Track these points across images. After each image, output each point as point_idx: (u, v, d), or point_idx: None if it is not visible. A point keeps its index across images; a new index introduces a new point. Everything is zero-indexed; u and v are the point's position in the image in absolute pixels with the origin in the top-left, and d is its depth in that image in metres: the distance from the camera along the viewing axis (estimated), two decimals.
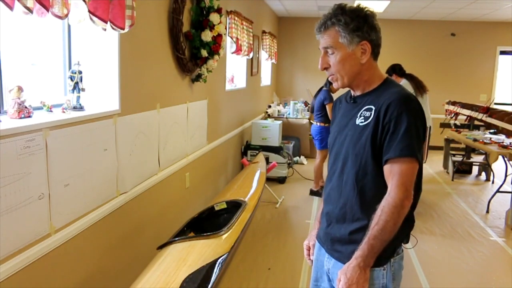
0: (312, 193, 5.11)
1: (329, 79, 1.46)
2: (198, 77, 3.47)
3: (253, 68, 6.09)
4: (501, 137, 5.07)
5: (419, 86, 4.90)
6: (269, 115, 7.17)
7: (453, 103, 6.63)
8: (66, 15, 1.66)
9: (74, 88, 2.05)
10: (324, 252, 1.52)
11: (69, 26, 2.17)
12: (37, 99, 1.94)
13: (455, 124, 6.44)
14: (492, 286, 3.07)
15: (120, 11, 2.01)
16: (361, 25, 1.34)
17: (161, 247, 2.18)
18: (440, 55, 8.17)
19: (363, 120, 1.36)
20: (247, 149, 5.64)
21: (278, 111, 7.48)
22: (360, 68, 1.39)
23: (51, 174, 1.76)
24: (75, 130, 1.92)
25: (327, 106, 4.83)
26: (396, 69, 4.95)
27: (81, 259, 2.05)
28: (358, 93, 1.45)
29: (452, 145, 6.52)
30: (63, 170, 1.85)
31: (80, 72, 2.06)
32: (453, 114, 6.55)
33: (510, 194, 4.31)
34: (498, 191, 4.76)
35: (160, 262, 1.99)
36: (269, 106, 7.51)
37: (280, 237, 3.80)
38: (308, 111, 7.35)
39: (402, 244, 1.44)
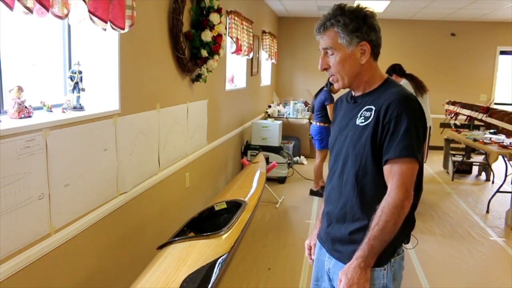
0: (312, 193, 5.11)
1: (330, 80, 1.46)
2: (198, 77, 3.47)
3: (253, 68, 6.09)
4: (501, 137, 5.07)
5: (419, 86, 4.90)
6: (269, 115, 7.17)
7: (453, 103, 6.63)
8: (66, 15, 1.66)
9: (74, 88, 2.05)
10: (325, 252, 1.52)
11: (69, 26, 2.17)
12: (37, 99, 1.94)
13: (455, 124, 6.44)
14: (492, 286, 3.07)
15: (120, 11, 2.01)
16: (360, 25, 1.34)
17: (161, 247, 2.18)
18: (440, 55, 8.17)
19: (363, 120, 1.36)
20: (247, 149, 5.64)
21: (278, 111, 7.48)
22: (360, 69, 1.39)
23: (51, 174, 1.76)
24: (75, 130, 1.92)
25: (328, 107, 4.83)
26: (396, 69, 4.95)
27: (81, 259, 2.05)
28: (358, 93, 1.45)
29: (452, 145, 6.52)
30: (63, 170, 1.85)
31: (80, 72, 2.06)
32: (453, 114, 6.55)
33: (510, 194, 4.31)
34: (498, 191, 4.76)
35: (160, 262, 1.99)
36: (269, 106, 7.51)
37: (280, 237, 3.80)
38: (308, 111, 7.36)
39: (403, 244, 1.44)
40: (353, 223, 1.39)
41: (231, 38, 4.48)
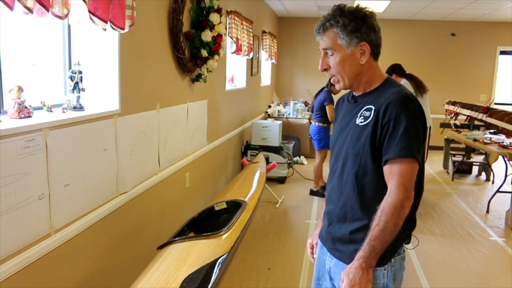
0: (312, 193, 5.11)
1: (331, 80, 1.46)
2: (198, 77, 3.47)
3: (253, 68, 6.09)
4: (501, 137, 5.07)
5: (419, 86, 4.90)
6: (269, 115, 7.17)
7: (453, 103, 6.63)
8: (66, 15, 1.66)
9: (74, 88, 2.05)
10: (326, 251, 1.52)
11: (69, 26, 2.17)
12: (37, 99, 1.94)
13: (455, 124, 6.44)
14: (492, 286, 3.07)
15: (120, 11, 2.01)
16: (360, 26, 1.34)
17: (161, 247, 2.18)
18: (440, 55, 8.17)
19: (362, 120, 1.36)
20: (247, 149, 5.64)
21: (278, 111, 7.48)
22: (360, 69, 1.39)
23: (51, 174, 1.76)
24: (75, 130, 1.92)
25: (327, 107, 4.83)
26: (396, 69, 4.95)
27: (81, 259, 2.04)
28: (359, 93, 1.45)
29: (452, 145, 6.52)
30: (63, 170, 1.85)
31: (80, 72, 2.06)
32: (453, 114, 6.55)
33: (510, 194, 4.31)
34: (498, 191, 4.76)
35: (160, 262, 1.99)
36: (269, 106, 7.51)
37: (280, 237, 3.80)
38: (308, 111, 7.36)
39: (404, 244, 1.44)
40: (353, 223, 1.39)
41: (231, 38, 4.48)
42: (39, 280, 1.75)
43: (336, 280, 1.46)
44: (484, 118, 5.54)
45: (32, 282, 1.70)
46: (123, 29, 2.06)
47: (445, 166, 6.62)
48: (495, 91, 8.21)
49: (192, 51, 3.26)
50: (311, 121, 5.25)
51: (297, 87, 8.68)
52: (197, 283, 1.85)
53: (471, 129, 6.04)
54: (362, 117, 1.37)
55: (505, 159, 4.61)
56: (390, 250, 1.34)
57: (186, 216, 2.94)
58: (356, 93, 1.47)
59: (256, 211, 3.50)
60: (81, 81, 2.06)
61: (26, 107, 1.74)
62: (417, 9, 6.99)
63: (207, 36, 3.24)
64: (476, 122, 5.95)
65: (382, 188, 1.32)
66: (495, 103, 7.81)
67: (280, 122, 5.87)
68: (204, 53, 3.27)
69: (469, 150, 6.20)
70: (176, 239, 2.21)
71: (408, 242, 1.46)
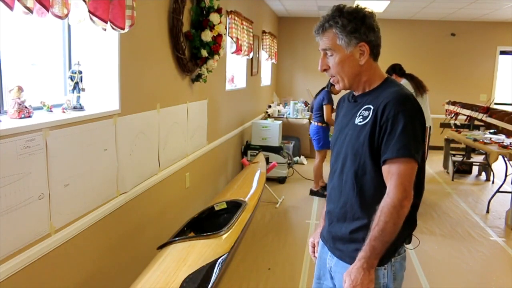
0: (312, 193, 5.11)
1: (331, 81, 1.46)
2: (198, 77, 3.47)
3: (253, 68, 6.09)
4: (501, 137, 5.07)
5: (419, 86, 4.90)
6: (269, 115, 7.17)
7: (453, 103, 6.63)
8: (66, 15, 1.66)
9: (74, 88, 2.05)
10: (327, 250, 1.53)
11: (69, 26, 2.17)
12: (37, 99, 1.94)
13: (455, 124, 6.44)
14: (492, 286, 3.07)
15: (120, 11, 2.01)
16: (359, 26, 1.34)
17: (161, 247, 2.18)
18: (440, 55, 8.17)
19: (361, 120, 1.37)
20: (247, 149, 5.64)
21: (278, 111, 7.48)
22: (360, 69, 1.39)
23: (51, 174, 1.76)
24: (75, 130, 1.92)
25: (324, 107, 4.83)
26: (396, 69, 4.95)
27: (81, 259, 2.04)
28: (359, 92, 1.46)
29: (452, 145, 6.52)
30: (63, 170, 1.85)
31: (80, 72, 2.06)
32: (453, 114, 6.55)
33: (510, 194, 4.31)
34: (498, 191, 4.76)
35: (160, 262, 1.99)
36: (269, 106, 7.51)
37: (280, 237, 3.80)
38: (308, 111, 7.36)
39: (404, 244, 1.44)
40: (353, 222, 1.40)
41: (231, 38, 4.48)
42: (39, 280, 1.75)
43: (337, 279, 1.47)
44: (484, 118, 5.54)
45: (32, 282, 1.70)
46: (123, 29, 2.06)
47: (445, 166, 6.62)
48: (495, 91, 8.21)
49: (192, 51, 3.26)
50: (311, 121, 5.25)
51: (297, 87, 8.67)
52: (197, 283, 1.85)
53: (471, 129, 6.04)
54: (361, 116, 1.37)
55: (505, 159, 4.61)
56: (390, 250, 1.34)
57: (186, 216, 2.94)
58: (356, 93, 1.47)
59: (256, 211, 3.50)
60: (81, 81, 2.06)
61: (26, 107, 1.74)
62: (417, 9, 6.99)
63: (207, 36, 3.24)
64: (476, 122, 5.95)
65: (381, 188, 1.32)
66: (495, 103, 7.81)
67: (280, 122, 5.87)
68: (204, 53, 3.27)
69: (469, 150, 6.20)
70: (176, 239, 2.21)
71: (409, 242, 1.46)
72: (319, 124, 4.96)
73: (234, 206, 2.83)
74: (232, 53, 4.67)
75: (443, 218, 4.45)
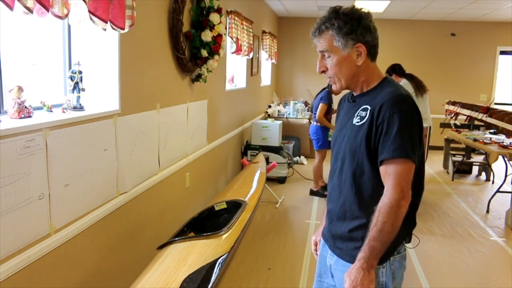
0: (312, 193, 5.11)
1: (328, 81, 1.48)
2: (198, 77, 3.47)
3: (253, 68, 6.09)
4: (501, 137, 5.07)
5: (419, 86, 4.90)
6: (269, 115, 7.17)
7: (453, 103, 6.63)
8: (66, 15, 1.66)
9: (74, 88, 2.05)
10: (328, 248, 1.54)
11: (69, 26, 2.17)
12: (37, 99, 1.94)
13: (455, 124, 6.44)
14: (492, 286, 3.07)
15: (120, 11, 2.01)
16: (355, 28, 1.34)
17: (161, 247, 2.18)
18: (440, 55, 8.17)
19: (359, 120, 1.38)
20: (247, 149, 5.64)
21: (278, 111, 7.48)
22: (357, 70, 1.40)
23: (51, 174, 1.76)
24: (75, 130, 1.92)
25: (319, 105, 4.82)
26: (396, 69, 4.96)
27: (81, 259, 2.05)
28: (357, 92, 1.46)
29: (452, 145, 6.52)
30: (63, 170, 1.85)
31: (80, 72, 2.06)
32: (453, 114, 6.55)
33: (510, 194, 4.31)
34: (498, 191, 4.76)
35: (160, 262, 1.99)
36: (269, 106, 7.51)
37: (280, 237, 3.80)
38: (308, 111, 7.36)
39: (404, 243, 1.44)
40: (352, 221, 1.41)
41: (231, 38, 4.48)
42: (39, 280, 1.75)
43: (337, 277, 1.48)
44: (484, 118, 5.54)
45: (32, 282, 1.70)
46: (123, 29, 2.06)
47: (445, 166, 6.62)
48: (495, 91, 8.21)
49: (192, 51, 3.26)
50: (311, 121, 5.25)
51: (297, 87, 8.68)
52: (197, 283, 1.85)
53: (471, 129, 6.03)
54: (358, 117, 1.38)
55: (505, 159, 4.61)
56: (389, 249, 1.35)
57: (186, 216, 2.94)
58: (354, 93, 1.48)
59: (256, 211, 3.50)
60: (81, 81, 2.06)
61: (26, 107, 1.74)
62: (417, 9, 6.99)
63: (207, 36, 3.24)
64: (476, 122, 5.95)
65: (379, 188, 1.32)
66: (495, 103, 7.81)
67: (280, 122, 5.87)
68: (204, 53, 3.27)
69: (469, 150, 6.20)
70: (176, 239, 2.21)
71: (409, 241, 1.47)
72: (318, 124, 4.96)
73: (234, 206, 2.83)
74: (232, 53, 4.67)
75: (443, 218, 4.45)
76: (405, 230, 1.38)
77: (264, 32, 6.69)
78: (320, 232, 1.67)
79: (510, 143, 4.68)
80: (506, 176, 4.86)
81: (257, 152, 5.35)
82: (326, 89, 4.92)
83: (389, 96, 1.32)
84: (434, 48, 8.16)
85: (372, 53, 1.40)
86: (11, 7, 1.40)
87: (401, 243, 1.42)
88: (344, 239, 1.44)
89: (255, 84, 6.49)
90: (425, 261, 3.40)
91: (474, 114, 5.80)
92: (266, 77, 7.66)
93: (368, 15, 1.38)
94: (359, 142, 1.35)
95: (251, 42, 5.35)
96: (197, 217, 2.73)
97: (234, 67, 5.42)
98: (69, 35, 2.20)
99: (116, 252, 2.36)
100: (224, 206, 2.88)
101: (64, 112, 1.96)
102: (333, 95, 4.98)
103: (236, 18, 4.56)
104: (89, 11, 1.79)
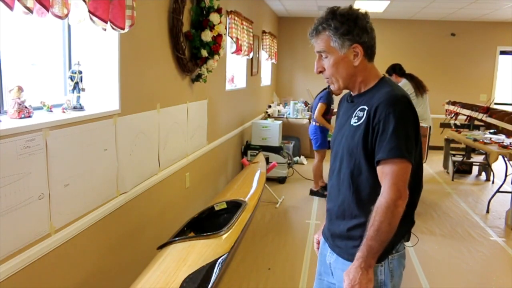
0: (312, 193, 5.11)
1: (326, 82, 1.49)
2: (198, 77, 3.47)
3: (253, 68, 6.09)
4: (501, 137, 5.07)
5: (419, 86, 4.90)
6: (269, 115, 7.17)
7: (453, 103, 6.63)
8: (66, 15, 1.66)
9: (74, 88, 2.05)
10: (327, 247, 1.56)
11: (69, 26, 2.17)
12: (37, 99, 1.94)
13: (455, 124, 6.44)
14: (492, 286, 3.07)
15: (120, 11, 2.01)
16: (351, 28, 1.35)
17: (161, 247, 2.18)
18: (440, 55, 8.17)
19: (356, 121, 1.39)
20: (247, 149, 5.64)
21: (278, 111, 7.48)
22: (354, 71, 1.41)
23: (51, 174, 1.76)
24: (75, 130, 1.92)
25: (318, 105, 4.82)
26: (396, 69, 4.96)
27: (81, 259, 2.05)
28: (355, 93, 1.47)
29: (452, 145, 6.52)
30: (63, 170, 1.85)
31: (80, 72, 2.06)
32: (453, 114, 6.55)
33: (510, 194, 4.31)
34: (498, 191, 4.76)
35: (160, 262, 1.99)
36: (269, 106, 7.51)
37: (280, 237, 3.80)
38: (308, 111, 7.37)
39: (404, 242, 1.45)
40: (351, 220, 1.42)
41: (231, 38, 4.48)
42: (39, 280, 1.75)
43: (336, 276, 1.49)
44: (484, 118, 5.54)
45: (32, 282, 1.70)
46: (123, 29, 2.06)
47: (445, 166, 6.62)
48: (495, 91, 8.21)
49: (192, 51, 3.26)
50: (311, 121, 5.25)
51: (297, 87, 8.67)
52: (197, 283, 1.85)
53: (471, 129, 6.04)
54: (356, 117, 1.39)
55: (505, 159, 4.61)
56: (387, 247, 1.36)
57: (186, 216, 2.94)
58: (352, 93, 1.49)
59: (256, 211, 3.50)
60: (81, 81, 2.06)
61: (26, 107, 1.74)
62: (417, 9, 6.98)
63: (207, 36, 3.24)
64: (476, 122, 5.95)
65: (377, 188, 1.34)
66: (495, 103, 7.81)
67: (280, 122, 5.87)
68: (204, 53, 3.27)
69: (469, 150, 6.20)
70: (176, 239, 2.21)
71: (408, 240, 1.48)
72: (317, 124, 4.96)
73: (234, 206, 2.83)
74: (232, 53, 4.67)
75: (443, 218, 4.45)
76: (403, 228, 1.40)
77: (264, 32, 6.69)
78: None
79: (510, 143, 4.68)
80: (506, 176, 4.86)
81: (257, 152, 5.35)
82: (327, 89, 4.91)
83: (385, 97, 1.33)
84: (434, 48, 8.16)
85: (369, 53, 1.41)
86: (11, 7, 1.40)
87: (399, 242, 1.43)
88: (343, 238, 1.45)
89: (255, 84, 6.49)
90: (425, 261, 3.40)
91: (474, 114, 5.80)
92: (266, 77, 7.66)
93: (365, 15, 1.38)
94: (356, 143, 1.36)
95: (251, 42, 5.35)
96: (197, 217, 2.73)
97: (234, 67, 5.42)
98: (69, 35, 2.20)
99: (116, 252, 2.36)
100: (224, 206, 2.88)
101: (64, 112, 1.96)
102: (334, 96, 4.97)
103: (236, 18, 4.56)
104: (89, 11, 1.79)
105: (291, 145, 6.46)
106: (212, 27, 3.29)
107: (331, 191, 1.52)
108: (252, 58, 5.77)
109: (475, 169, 6.45)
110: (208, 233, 2.24)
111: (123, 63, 2.30)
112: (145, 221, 2.71)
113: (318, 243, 1.71)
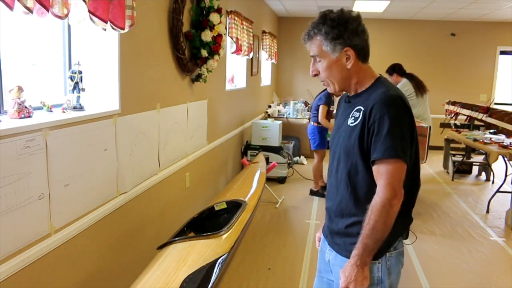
0: (312, 193, 5.11)
1: (322, 84, 1.52)
2: (198, 77, 3.47)
3: (253, 68, 6.09)
4: (501, 137, 5.07)
5: (419, 86, 4.90)
6: (269, 115, 7.17)
7: (453, 103, 6.63)
8: (66, 15, 1.66)
9: (74, 88, 2.05)
10: (327, 244, 1.58)
11: (69, 26, 2.17)
12: (37, 99, 1.94)
13: (455, 124, 6.44)
14: (492, 286, 3.07)
15: (120, 11, 2.01)
16: (341, 33, 1.37)
17: (161, 247, 2.18)
18: (440, 55, 8.17)
19: (353, 121, 1.40)
20: (247, 149, 5.64)
21: (278, 111, 7.48)
22: (348, 73, 1.43)
23: (51, 174, 1.76)
24: (75, 130, 1.92)
25: (319, 107, 4.83)
26: (396, 69, 4.96)
27: (81, 259, 2.05)
28: (352, 94, 1.49)
29: (452, 145, 6.52)
30: (63, 170, 1.85)
31: (80, 72, 2.06)
32: (453, 114, 6.55)
33: (510, 194, 4.31)
34: (498, 191, 4.76)
35: (160, 262, 1.99)
36: (269, 106, 7.51)
37: (280, 237, 3.80)
38: (308, 111, 7.36)
39: (402, 240, 1.47)
40: (349, 218, 1.44)
41: (231, 38, 4.48)
42: (39, 280, 1.75)
43: (334, 272, 1.51)
44: (484, 118, 5.54)
45: (32, 282, 1.70)
46: (123, 29, 2.06)
47: (445, 166, 6.62)
48: (495, 91, 8.21)
49: (192, 51, 3.26)
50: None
51: (297, 87, 8.68)
52: (197, 283, 1.85)
53: (471, 129, 6.03)
54: (352, 117, 1.41)
55: (505, 159, 4.61)
56: (384, 245, 1.37)
57: (186, 216, 2.94)
58: (349, 94, 1.51)
59: (256, 211, 3.50)
60: (81, 81, 2.06)
61: (26, 107, 1.74)
62: (417, 9, 6.99)
63: (207, 36, 3.24)
64: (476, 122, 5.95)
65: (373, 187, 1.35)
66: (495, 103, 7.81)
67: (280, 122, 5.87)
68: (204, 53, 3.27)
69: (469, 150, 6.20)
70: (176, 239, 2.21)
71: (406, 238, 1.50)
72: (315, 124, 4.97)
73: (234, 206, 2.83)
74: (232, 53, 4.67)
75: (443, 218, 4.45)
76: (401, 226, 1.42)
77: (264, 32, 6.69)
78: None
79: (510, 143, 4.67)
80: (506, 176, 4.86)
81: (257, 152, 5.35)
82: (327, 90, 4.92)
83: (380, 97, 1.34)
84: (434, 48, 8.16)
85: (362, 55, 1.42)
86: (11, 7, 1.40)
87: (397, 240, 1.44)
88: (341, 235, 1.47)
89: (255, 84, 6.49)
90: (425, 261, 3.40)
91: (474, 114, 5.80)
92: (266, 77, 7.66)
93: (356, 18, 1.40)
94: (353, 143, 1.38)
95: (251, 42, 5.35)
96: (197, 217, 2.73)
97: (234, 67, 5.42)
98: (69, 35, 2.20)
99: (116, 252, 2.36)
100: (224, 206, 2.88)
101: (64, 112, 1.96)
102: (334, 96, 4.98)
103: (236, 18, 4.56)
104: (89, 11, 1.79)
105: (291, 145, 6.46)
106: (212, 27, 3.29)
107: (330, 190, 1.54)
108: (252, 58, 5.77)
109: (475, 169, 6.45)
110: (208, 233, 2.24)
111: (123, 63, 2.30)
112: (145, 221, 2.71)
113: (320, 241, 1.73)
